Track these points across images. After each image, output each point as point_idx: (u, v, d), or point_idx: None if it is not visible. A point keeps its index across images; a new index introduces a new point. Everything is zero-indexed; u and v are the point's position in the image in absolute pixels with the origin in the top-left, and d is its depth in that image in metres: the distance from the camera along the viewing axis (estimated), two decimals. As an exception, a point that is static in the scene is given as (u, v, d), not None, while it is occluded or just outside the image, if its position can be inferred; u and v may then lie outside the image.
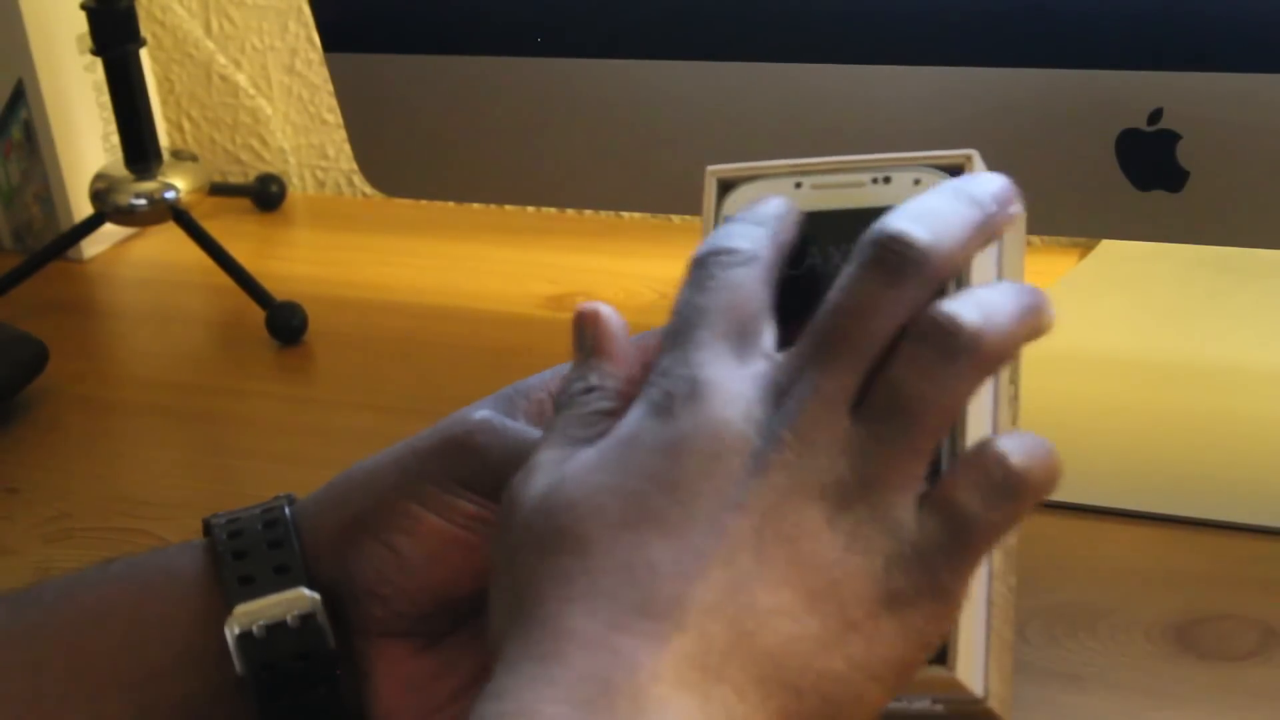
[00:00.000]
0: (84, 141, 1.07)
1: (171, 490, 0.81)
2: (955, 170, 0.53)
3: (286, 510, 0.58)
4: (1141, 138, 0.70)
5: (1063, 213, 0.73)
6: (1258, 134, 0.68)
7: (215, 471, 0.84)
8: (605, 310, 0.52)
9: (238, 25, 1.15)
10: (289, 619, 0.56)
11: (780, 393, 0.46)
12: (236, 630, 0.56)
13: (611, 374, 0.50)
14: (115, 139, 0.99)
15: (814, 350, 0.47)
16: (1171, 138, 0.69)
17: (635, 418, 0.47)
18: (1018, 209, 0.49)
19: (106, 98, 0.99)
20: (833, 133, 0.75)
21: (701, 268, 0.50)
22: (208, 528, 0.59)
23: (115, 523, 0.78)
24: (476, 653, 0.58)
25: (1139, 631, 0.63)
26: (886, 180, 0.54)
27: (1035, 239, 0.96)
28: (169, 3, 1.16)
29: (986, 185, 0.49)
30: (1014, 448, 0.46)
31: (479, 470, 0.55)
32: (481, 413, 0.57)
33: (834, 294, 0.47)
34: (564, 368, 0.59)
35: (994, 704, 0.48)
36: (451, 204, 1.08)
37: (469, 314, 0.94)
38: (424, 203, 1.08)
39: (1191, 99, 0.68)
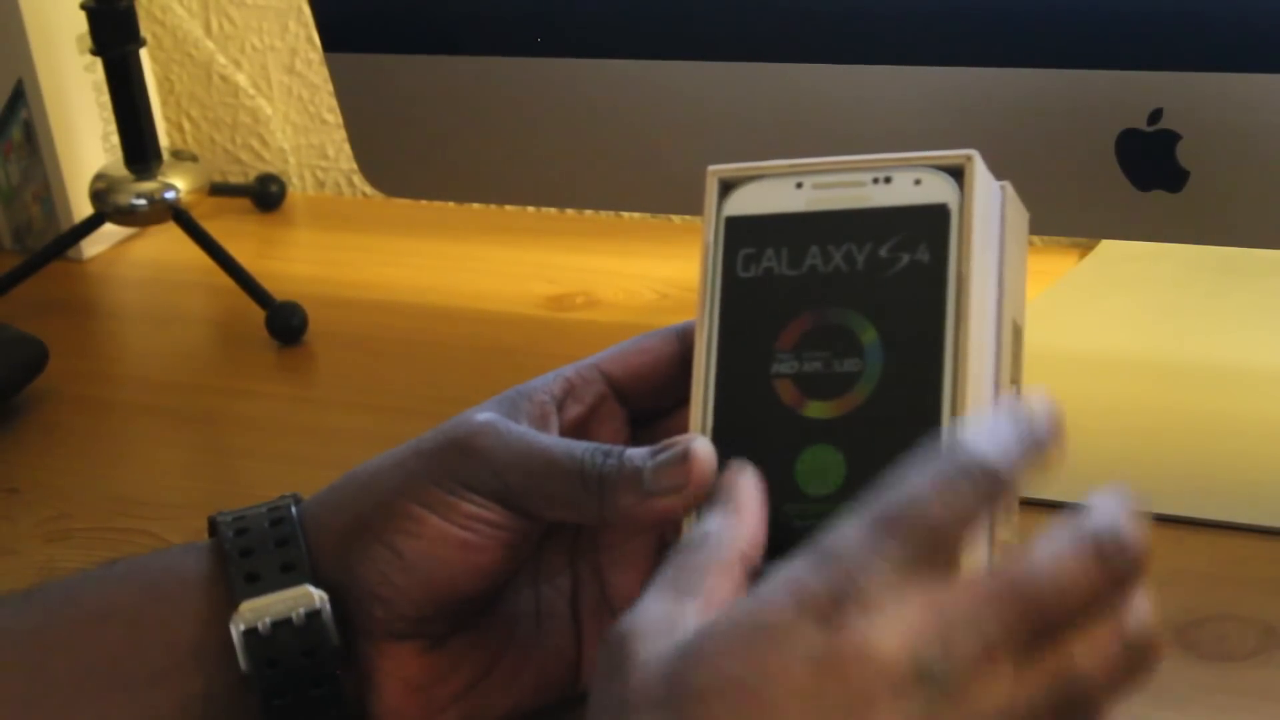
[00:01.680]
0: (84, 141, 1.07)
1: (171, 490, 0.81)
2: (955, 170, 0.53)
3: (293, 509, 0.58)
4: (1141, 138, 0.70)
5: (1063, 213, 0.73)
6: (1258, 134, 0.68)
7: (215, 471, 0.84)
8: (752, 472, 0.51)
9: (238, 25, 1.15)
10: (294, 616, 0.56)
11: (953, 631, 0.44)
12: (242, 627, 0.56)
13: (733, 528, 0.49)
14: (115, 139, 0.99)
15: (1003, 608, 0.45)
16: (1171, 138, 0.69)
17: (787, 605, 0.45)
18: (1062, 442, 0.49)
19: (106, 98, 0.99)
20: (833, 133, 0.75)
21: (953, 469, 0.47)
22: (214, 525, 0.59)
23: (115, 523, 0.78)
24: (479, 654, 0.58)
25: (1139, 631, 0.63)
26: (887, 180, 0.54)
27: (1035, 239, 0.95)
28: (169, 3, 1.16)
29: (1046, 413, 0.48)
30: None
31: (482, 472, 0.55)
32: (485, 415, 0.56)
33: (1043, 564, 0.45)
34: (567, 369, 0.59)
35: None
36: (451, 204, 1.08)
37: (469, 314, 0.94)
38: (424, 203, 1.08)
39: (1191, 99, 0.68)
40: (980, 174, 0.53)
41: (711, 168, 0.56)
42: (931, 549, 0.45)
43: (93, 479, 0.82)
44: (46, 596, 0.59)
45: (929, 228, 0.53)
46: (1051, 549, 0.45)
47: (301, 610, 0.56)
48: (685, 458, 0.52)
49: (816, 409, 0.53)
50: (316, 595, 0.56)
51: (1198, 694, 0.60)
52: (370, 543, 0.56)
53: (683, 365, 0.57)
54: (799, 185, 0.55)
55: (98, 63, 0.98)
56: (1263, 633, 0.63)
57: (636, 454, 0.54)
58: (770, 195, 0.55)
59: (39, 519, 0.79)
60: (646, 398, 0.59)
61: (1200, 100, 0.68)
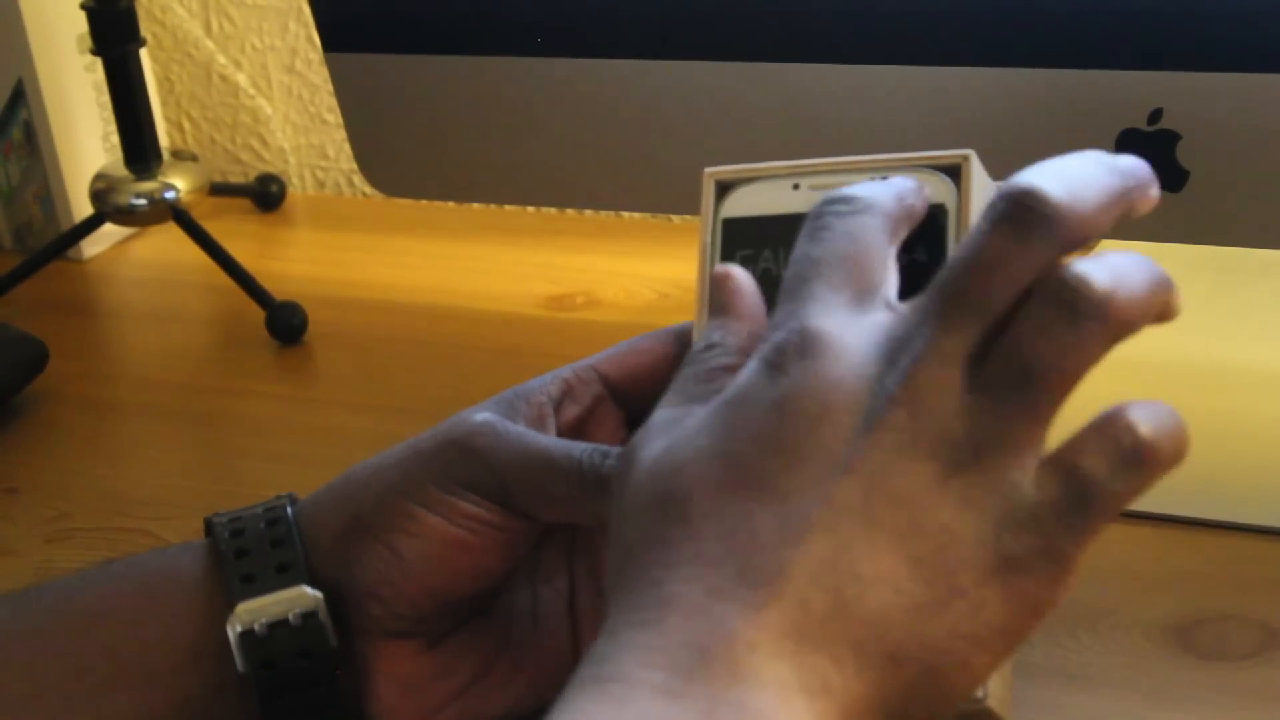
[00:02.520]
0: (84, 141, 1.07)
1: (171, 490, 0.81)
2: (952, 170, 0.53)
3: (289, 509, 0.58)
4: (1141, 138, 0.70)
5: (1063, 213, 0.73)
6: (1258, 134, 0.68)
7: (215, 471, 0.84)
8: (736, 271, 0.52)
9: (238, 25, 1.15)
10: (290, 617, 0.56)
11: (897, 347, 0.45)
12: (238, 628, 0.56)
13: (734, 331, 0.50)
14: (115, 139, 0.99)
15: (935, 304, 0.45)
16: (1171, 138, 0.69)
17: (747, 375, 0.46)
18: (1157, 192, 0.48)
19: (106, 98, 0.99)
20: (832, 133, 0.75)
21: (816, 219, 0.49)
22: (209, 527, 0.59)
23: (115, 523, 0.78)
24: (476, 654, 0.58)
25: (1139, 631, 0.63)
26: (884, 181, 0.54)
27: (1035, 239, 0.96)
28: (169, 3, 1.16)
29: (1130, 160, 0.48)
30: (1145, 417, 0.45)
31: (480, 472, 0.55)
32: (483, 415, 0.57)
33: (960, 249, 0.46)
34: (564, 370, 0.59)
35: (993, 704, 0.48)
36: (451, 204, 1.08)
37: (469, 314, 0.94)
38: (424, 203, 1.08)
39: (1191, 99, 0.68)
40: (976, 173, 0.53)
41: (708, 170, 0.56)
42: (859, 282, 0.47)
43: (93, 479, 0.82)
44: (43, 596, 0.59)
45: (926, 227, 0.53)
46: (966, 239, 0.46)
47: (297, 611, 0.56)
48: None
49: None
50: (312, 596, 0.56)
51: (1198, 694, 0.60)
52: (368, 542, 0.56)
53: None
54: (796, 186, 0.55)
55: (98, 63, 0.98)
56: (1263, 633, 0.63)
57: None
58: (767, 197, 0.55)
59: (39, 519, 0.79)
60: (644, 399, 0.59)
61: (1200, 100, 0.68)
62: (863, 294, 0.47)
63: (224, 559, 0.57)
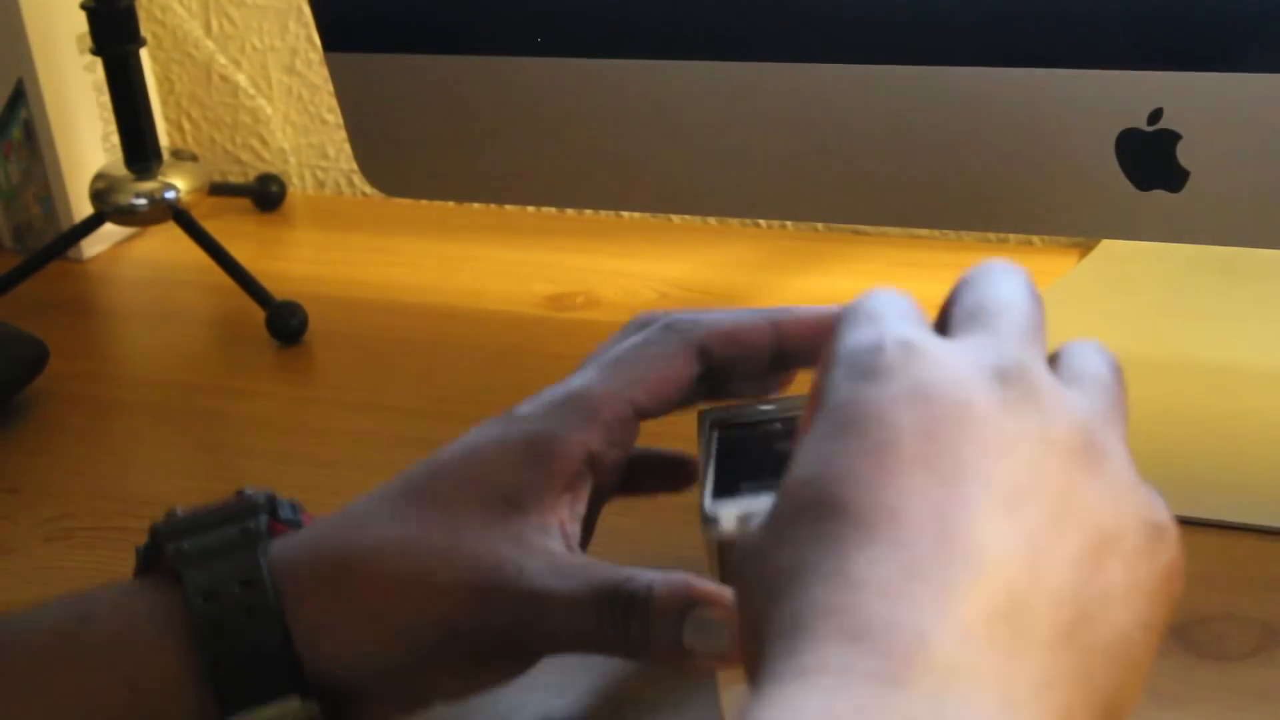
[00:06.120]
0: (84, 141, 1.07)
1: (172, 490, 0.80)
2: None
3: (283, 617, 0.55)
4: (1141, 138, 0.70)
5: (1063, 213, 0.73)
6: (1258, 134, 0.68)
7: (215, 471, 0.84)
8: None
9: (238, 25, 1.15)
10: None
11: (993, 357, 0.44)
12: None
13: None
14: (115, 139, 0.99)
15: (1003, 329, 0.46)
16: (1171, 138, 0.69)
17: (837, 389, 0.43)
18: None
19: (106, 98, 0.99)
20: (833, 133, 0.75)
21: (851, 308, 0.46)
22: (188, 608, 0.56)
23: (115, 523, 0.78)
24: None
25: (1139, 631, 0.63)
26: None
27: (1035, 239, 0.96)
28: (169, 3, 1.16)
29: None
30: None
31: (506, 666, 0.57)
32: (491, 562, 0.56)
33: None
34: (603, 410, 0.59)
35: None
36: (451, 204, 1.08)
37: (469, 314, 0.94)
38: (424, 203, 1.08)
39: (1191, 99, 0.68)
40: None
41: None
42: (918, 316, 0.46)
43: (93, 479, 0.82)
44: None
45: None
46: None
47: None
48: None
49: None
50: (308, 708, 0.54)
51: (1198, 694, 0.60)
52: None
53: (702, 381, 0.60)
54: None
55: (98, 63, 0.98)
56: (1263, 633, 0.63)
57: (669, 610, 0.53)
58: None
59: (39, 519, 0.79)
60: (662, 413, 0.60)
61: (1200, 100, 0.68)
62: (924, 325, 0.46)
63: (215, 671, 0.54)
